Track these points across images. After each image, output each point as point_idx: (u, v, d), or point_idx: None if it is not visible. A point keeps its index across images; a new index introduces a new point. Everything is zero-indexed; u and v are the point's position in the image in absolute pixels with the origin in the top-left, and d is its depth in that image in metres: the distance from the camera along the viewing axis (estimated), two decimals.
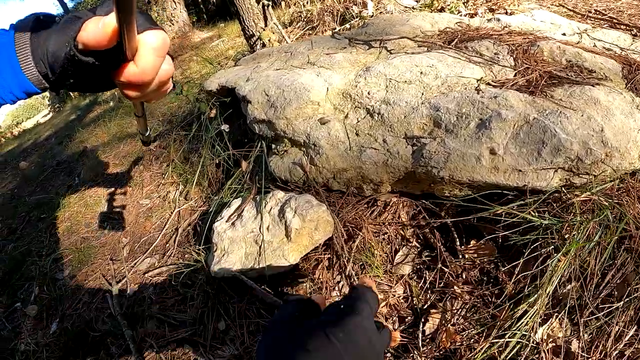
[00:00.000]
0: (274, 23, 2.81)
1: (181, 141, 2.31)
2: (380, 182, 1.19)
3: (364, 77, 1.37)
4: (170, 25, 6.07)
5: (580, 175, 1.01)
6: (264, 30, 2.75)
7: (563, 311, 0.93)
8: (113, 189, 2.48)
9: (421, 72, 1.28)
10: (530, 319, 0.91)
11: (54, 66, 0.46)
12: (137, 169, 2.52)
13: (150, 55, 0.43)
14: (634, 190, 1.03)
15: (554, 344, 0.91)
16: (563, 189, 1.02)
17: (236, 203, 1.41)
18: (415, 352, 0.99)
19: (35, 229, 2.59)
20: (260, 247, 1.20)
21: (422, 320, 1.03)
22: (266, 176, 1.43)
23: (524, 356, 0.89)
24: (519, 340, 0.90)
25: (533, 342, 0.90)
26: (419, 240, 1.20)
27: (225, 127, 1.65)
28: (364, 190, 1.24)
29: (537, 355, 0.90)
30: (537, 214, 1.00)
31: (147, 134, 0.85)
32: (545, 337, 0.92)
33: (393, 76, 1.32)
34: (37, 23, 0.48)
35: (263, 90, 1.52)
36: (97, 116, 4.77)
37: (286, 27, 3.26)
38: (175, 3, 6.46)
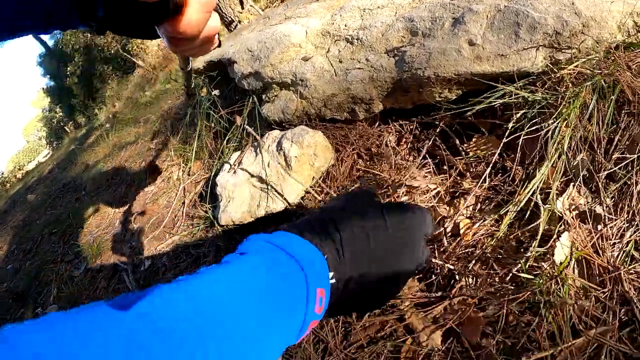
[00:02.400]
0: (250, 5, 2.84)
1: (177, 129, 2.34)
2: (371, 99, 1.20)
3: (339, 14, 1.40)
4: (151, 40, 6.14)
5: (563, 51, 1.02)
6: (240, 13, 2.78)
7: (578, 180, 0.92)
8: (119, 189, 2.52)
9: None
10: (546, 192, 0.91)
11: None
12: (140, 165, 2.56)
13: (196, 9, 0.43)
14: (621, 60, 1.04)
15: (577, 211, 0.90)
16: (550, 66, 1.03)
17: (235, 155, 1.43)
18: (442, 252, 0.99)
19: (49, 243, 2.63)
20: (263, 183, 1.22)
21: (441, 221, 1.04)
22: (261, 125, 1.45)
23: (551, 227, 0.88)
24: (539, 206, 0.89)
25: (557, 212, 0.89)
26: (420, 152, 1.21)
27: (215, 92, 1.68)
28: (356, 113, 1.25)
29: (562, 226, 0.88)
30: (529, 93, 1.01)
31: (192, 86, 0.87)
32: (567, 206, 0.91)
33: (366, 6, 1.34)
34: None
35: (246, 48, 1.55)
36: (96, 138, 4.83)
37: (264, 10, 3.29)
38: None
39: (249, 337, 0.38)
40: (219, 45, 0.58)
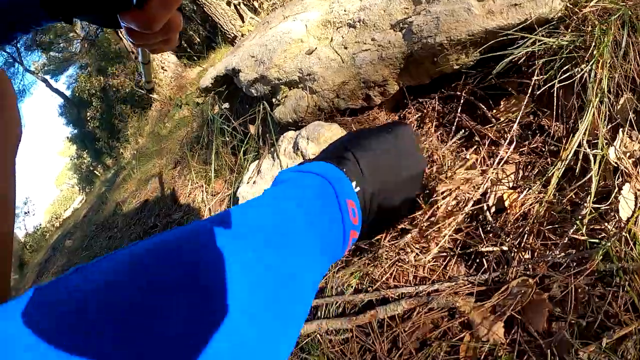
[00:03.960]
0: (251, 17, 2.82)
1: (196, 152, 2.33)
2: (384, 80, 1.13)
3: (337, 1, 1.34)
4: (163, 72, 6.23)
5: None
6: (242, 27, 2.77)
7: (626, 125, 0.82)
8: (149, 221, 2.52)
9: None
10: (593, 143, 0.81)
11: None
12: (166, 194, 2.55)
13: (158, 5, 0.43)
14: None
15: (633, 158, 0.80)
16: (569, 7, 0.94)
17: (253, 165, 1.38)
18: (488, 232, 0.90)
19: None
20: None
21: (485, 199, 0.95)
22: (275, 129, 1.40)
23: (607, 181, 0.79)
24: (589, 158, 0.79)
25: (612, 162, 0.79)
26: (447, 129, 1.12)
27: (225, 105, 1.64)
28: (371, 98, 1.18)
29: (620, 178, 0.78)
30: (553, 39, 0.92)
31: (151, 81, 0.86)
32: (621, 155, 0.80)
33: None
34: None
35: (249, 54, 1.51)
36: (123, 177, 4.92)
37: None
38: None
39: (306, 235, 0.44)
40: (179, 45, 0.57)
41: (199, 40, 8.47)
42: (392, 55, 1.09)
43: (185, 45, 8.53)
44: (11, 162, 0.40)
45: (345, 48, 1.19)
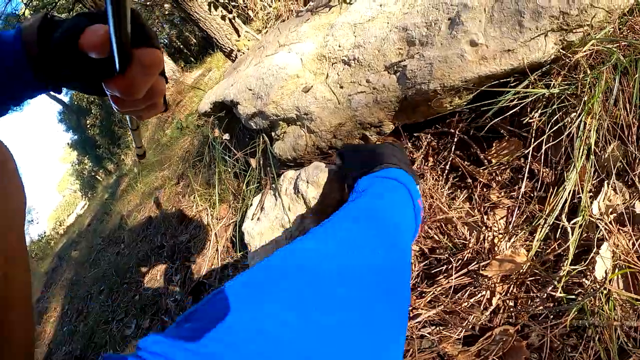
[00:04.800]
0: (246, 31, 2.82)
1: (199, 171, 2.35)
2: (379, 121, 1.15)
3: (331, 34, 1.35)
4: None
5: (574, 31, 0.94)
6: (238, 41, 2.77)
7: (612, 177, 0.85)
8: (155, 239, 2.55)
9: (380, 5, 1.24)
10: (578, 197, 0.84)
11: (52, 42, 0.48)
12: (171, 211, 2.58)
13: (140, 72, 0.43)
14: (638, 26, 0.95)
15: (615, 214, 0.83)
16: (562, 51, 0.95)
17: (256, 200, 1.40)
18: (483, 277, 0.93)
19: (98, 301, 2.70)
20: (287, 229, 1.18)
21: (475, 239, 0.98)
22: (275, 164, 1.42)
23: (589, 236, 0.82)
24: (576, 221, 0.82)
25: (593, 219, 0.82)
26: (441, 167, 1.15)
27: (226, 136, 1.66)
28: (368, 138, 1.21)
29: (601, 233, 0.81)
30: (544, 87, 0.94)
31: (141, 147, 0.87)
32: (603, 210, 0.83)
33: (356, 20, 1.29)
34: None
35: (246, 87, 1.52)
36: (126, 186, 4.94)
37: (260, 32, 3.27)
38: None
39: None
40: (166, 110, 0.59)
41: (195, 41, 8.43)
42: (387, 99, 1.11)
43: (181, 46, 8.50)
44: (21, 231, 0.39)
45: (341, 87, 1.21)
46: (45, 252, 7.99)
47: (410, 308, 0.96)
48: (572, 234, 0.79)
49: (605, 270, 0.75)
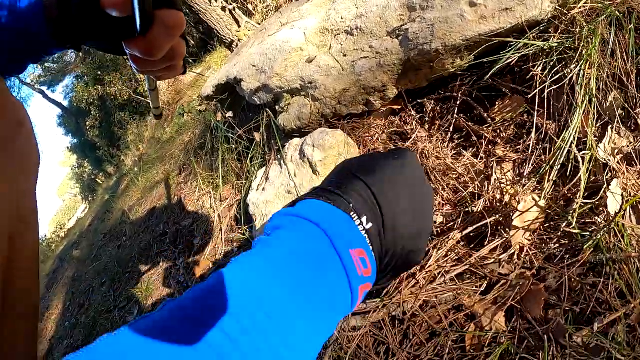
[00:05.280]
0: (246, 21, 2.85)
1: (201, 158, 2.37)
2: (383, 85, 1.17)
3: (333, 9, 1.38)
4: None
5: None
6: (238, 32, 2.80)
7: (615, 122, 0.87)
8: (158, 229, 2.56)
9: None
10: (584, 141, 0.86)
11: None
12: (173, 199, 2.60)
13: (160, 33, 0.43)
14: None
15: (621, 155, 0.85)
16: (559, 9, 0.98)
17: (261, 172, 1.43)
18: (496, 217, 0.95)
19: (100, 293, 2.70)
20: (293, 195, 1.20)
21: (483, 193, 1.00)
22: (280, 136, 1.44)
23: (597, 177, 0.84)
24: (585, 153, 0.84)
25: (600, 159, 0.84)
26: (446, 129, 1.17)
27: (229, 114, 1.68)
28: (372, 103, 1.23)
29: (609, 174, 0.83)
30: (543, 41, 0.96)
31: (158, 107, 0.87)
32: (609, 152, 0.85)
33: None
34: None
35: (250, 64, 1.55)
36: (127, 184, 4.94)
37: (260, 24, 3.30)
38: None
39: (290, 314, 0.37)
40: (184, 72, 0.59)
41: (193, 42, 8.46)
42: (390, 62, 1.13)
43: None
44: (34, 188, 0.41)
45: (345, 55, 1.24)
46: (47, 256, 7.98)
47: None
48: (583, 165, 0.81)
49: (620, 205, 0.77)
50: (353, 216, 0.45)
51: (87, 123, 10.90)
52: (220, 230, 1.78)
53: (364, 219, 0.46)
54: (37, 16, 0.51)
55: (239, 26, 2.84)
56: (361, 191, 0.48)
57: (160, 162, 3.69)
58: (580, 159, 0.83)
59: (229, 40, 2.85)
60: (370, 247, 0.45)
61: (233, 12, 2.82)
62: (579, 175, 0.82)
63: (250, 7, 3.49)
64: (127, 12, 0.40)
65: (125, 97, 8.80)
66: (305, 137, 1.26)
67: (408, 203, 0.50)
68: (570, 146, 0.85)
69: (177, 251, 2.06)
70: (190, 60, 7.44)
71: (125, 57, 0.51)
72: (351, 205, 0.46)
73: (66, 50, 0.57)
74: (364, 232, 0.45)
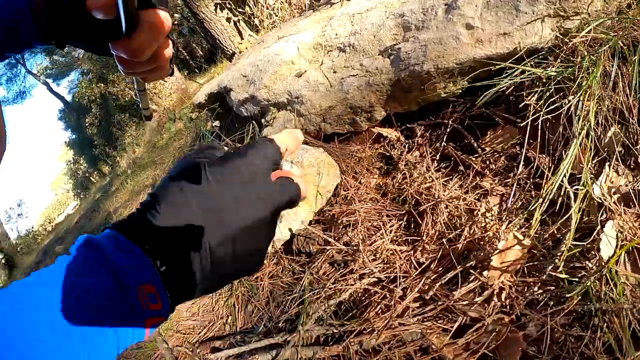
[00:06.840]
0: (249, 34, 2.83)
1: None
2: (371, 105, 1.12)
3: (329, 25, 1.34)
4: (162, 84, 6.26)
5: (571, 18, 0.92)
6: (240, 44, 2.77)
7: (614, 158, 0.81)
8: None
9: None
10: (578, 177, 0.80)
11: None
12: None
13: (146, 34, 0.42)
14: (637, 16, 0.93)
15: (618, 195, 0.79)
16: (560, 37, 0.93)
17: None
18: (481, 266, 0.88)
19: None
20: None
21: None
22: None
23: (591, 217, 0.77)
24: (579, 188, 0.77)
25: (596, 199, 0.77)
26: (433, 156, 1.11)
27: (216, 123, 1.63)
28: (358, 123, 1.17)
29: (604, 215, 0.76)
30: (541, 69, 0.91)
31: (148, 108, 0.85)
32: (605, 191, 0.79)
33: (355, 11, 1.28)
34: None
35: (240, 74, 1.50)
36: (117, 186, 4.90)
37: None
38: None
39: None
40: (171, 74, 0.56)
41: (201, 53, 8.49)
42: (379, 81, 1.08)
43: (187, 57, 8.57)
44: None
45: (334, 72, 1.18)
46: (31, 248, 7.90)
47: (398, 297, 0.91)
48: (575, 202, 0.75)
49: (614, 249, 0.70)
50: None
51: (87, 120, 10.84)
52: None
53: (158, 263, 0.37)
54: (22, 11, 0.48)
55: (242, 38, 2.82)
56: (162, 216, 0.38)
57: (152, 167, 3.65)
58: (572, 196, 0.76)
59: (231, 51, 2.83)
60: (161, 283, 0.37)
61: (237, 24, 2.80)
62: (569, 213, 0.75)
63: (256, 21, 3.49)
64: (112, 14, 0.40)
65: (127, 99, 8.80)
66: None
67: (240, 215, 0.38)
68: (563, 181, 0.78)
69: None
70: (196, 70, 7.45)
71: (113, 58, 0.49)
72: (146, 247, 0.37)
73: (49, 46, 0.55)
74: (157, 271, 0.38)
